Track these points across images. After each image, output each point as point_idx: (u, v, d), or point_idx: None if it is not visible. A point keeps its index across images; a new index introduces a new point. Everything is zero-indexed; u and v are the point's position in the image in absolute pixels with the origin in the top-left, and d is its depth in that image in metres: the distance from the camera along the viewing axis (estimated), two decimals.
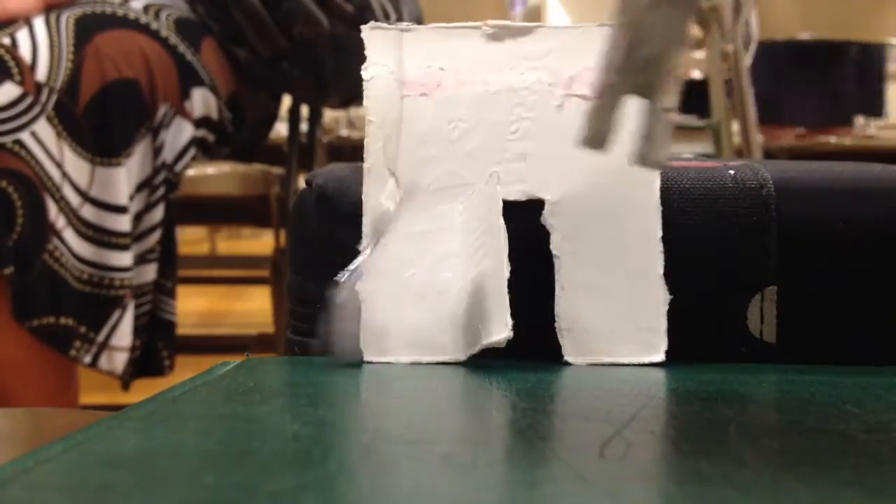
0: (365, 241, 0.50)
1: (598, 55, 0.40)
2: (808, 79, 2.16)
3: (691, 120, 1.82)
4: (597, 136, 0.40)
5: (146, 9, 1.16)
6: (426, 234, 0.50)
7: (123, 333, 1.06)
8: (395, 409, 0.38)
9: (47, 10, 1.10)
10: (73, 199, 1.02)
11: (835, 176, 0.52)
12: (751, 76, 1.79)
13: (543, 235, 0.49)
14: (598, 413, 0.38)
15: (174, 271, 1.15)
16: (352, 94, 1.31)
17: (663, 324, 0.48)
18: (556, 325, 0.48)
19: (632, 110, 0.39)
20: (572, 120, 0.50)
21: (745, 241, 0.49)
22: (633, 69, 0.38)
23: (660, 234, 0.48)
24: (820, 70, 2.17)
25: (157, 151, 1.10)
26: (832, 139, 2.07)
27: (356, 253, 0.50)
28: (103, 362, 1.04)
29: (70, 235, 1.02)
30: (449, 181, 0.50)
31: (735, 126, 1.80)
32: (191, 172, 1.15)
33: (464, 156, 0.50)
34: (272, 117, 1.36)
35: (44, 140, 1.01)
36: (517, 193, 0.49)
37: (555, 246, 0.49)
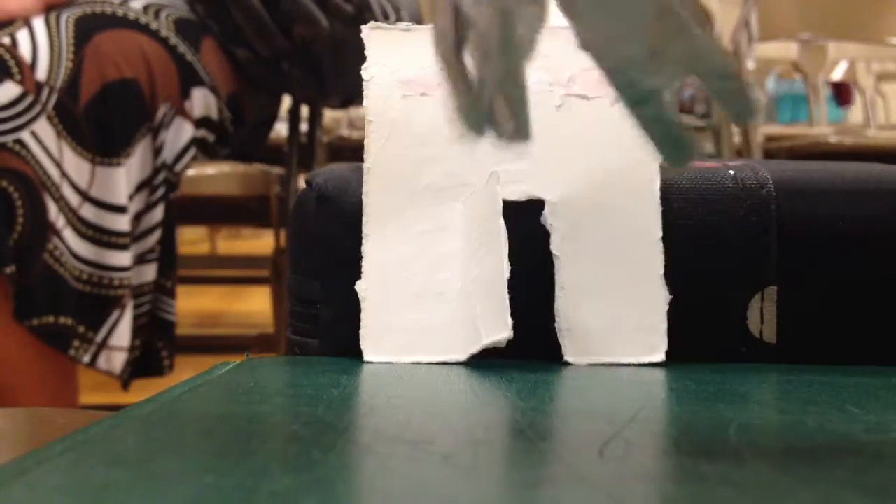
0: (365, 241, 0.50)
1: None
2: None
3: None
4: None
5: (146, 9, 1.16)
6: (426, 234, 0.50)
7: (122, 333, 1.06)
8: (395, 409, 0.38)
9: (47, 10, 1.10)
10: (72, 198, 1.02)
11: (835, 176, 0.52)
12: None
13: (543, 235, 0.49)
14: (598, 413, 0.38)
15: (174, 271, 1.15)
16: (351, 94, 1.32)
17: (663, 324, 0.48)
18: (556, 325, 0.48)
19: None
20: (572, 120, 0.50)
21: (745, 241, 0.49)
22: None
23: (660, 234, 0.48)
24: None
25: (157, 151, 1.10)
26: (832, 139, 2.07)
27: (356, 253, 0.50)
28: (102, 362, 1.05)
29: (70, 235, 1.02)
30: (449, 181, 0.50)
31: (735, 126, 1.79)
32: (191, 172, 1.15)
33: (464, 156, 0.50)
34: (272, 117, 1.36)
35: (44, 139, 1.01)
36: (517, 193, 0.49)
37: (555, 246, 0.49)
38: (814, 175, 0.52)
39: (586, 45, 0.29)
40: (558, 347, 0.48)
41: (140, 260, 1.10)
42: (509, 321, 0.46)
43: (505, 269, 0.46)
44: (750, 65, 1.87)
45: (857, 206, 0.50)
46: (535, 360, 0.47)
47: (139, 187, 1.09)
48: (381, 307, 0.49)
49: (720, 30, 1.72)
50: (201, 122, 1.16)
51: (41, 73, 1.02)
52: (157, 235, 1.10)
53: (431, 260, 0.49)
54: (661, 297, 0.48)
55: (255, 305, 2.44)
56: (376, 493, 0.27)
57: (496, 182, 0.49)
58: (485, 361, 0.46)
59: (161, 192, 1.11)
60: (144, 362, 1.12)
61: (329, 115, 1.95)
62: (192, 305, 2.57)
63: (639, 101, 0.29)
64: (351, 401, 0.40)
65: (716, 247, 0.50)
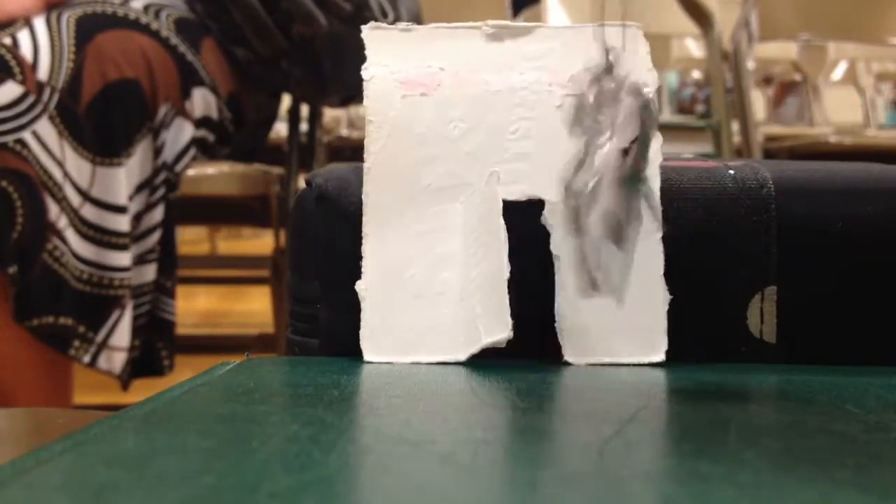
0: (365, 241, 0.50)
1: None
2: None
3: (691, 120, 1.82)
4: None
5: (146, 9, 1.16)
6: (426, 234, 0.50)
7: (122, 334, 1.06)
8: (395, 409, 0.38)
9: (48, 9, 1.10)
10: (73, 198, 1.02)
11: (835, 176, 0.52)
12: None
13: (543, 235, 0.49)
14: (598, 413, 0.38)
15: (174, 271, 1.15)
16: (351, 92, 1.32)
17: (663, 324, 0.48)
18: (556, 325, 0.48)
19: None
20: None
21: (745, 241, 0.49)
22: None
23: (660, 233, 0.48)
24: None
25: (157, 152, 1.10)
26: (832, 139, 2.07)
27: (356, 253, 0.50)
28: (102, 362, 1.05)
29: (71, 235, 1.02)
30: (449, 181, 0.50)
31: (735, 126, 1.80)
32: (191, 172, 1.15)
33: (464, 156, 0.50)
34: (272, 117, 1.36)
35: (45, 139, 1.01)
36: (517, 193, 0.49)
37: (555, 246, 0.49)
38: (814, 175, 0.52)
39: None
40: (558, 347, 0.48)
41: (140, 260, 1.10)
42: (509, 321, 0.46)
43: (505, 269, 0.46)
44: (750, 65, 1.87)
45: (857, 206, 0.50)
46: (535, 360, 0.47)
47: (139, 187, 1.09)
48: (381, 307, 0.49)
49: (720, 30, 1.72)
50: (201, 122, 1.16)
51: (42, 73, 1.02)
52: (157, 235, 1.10)
53: (431, 260, 0.49)
54: (661, 297, 0.48)
55: (255, 305, 2.44)
56: (376, 493, 0.27)
57: (496, 182, 0.49)
58: (485, 361, 0.46)
59: (161, 192, 1.11)
60: (144, 362, 1.12)
61: (329, 114, 1.95)
62: (192, 305, 2.57)
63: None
64: (351, 401, 0.40)
65: (716, 247, 0.50)
